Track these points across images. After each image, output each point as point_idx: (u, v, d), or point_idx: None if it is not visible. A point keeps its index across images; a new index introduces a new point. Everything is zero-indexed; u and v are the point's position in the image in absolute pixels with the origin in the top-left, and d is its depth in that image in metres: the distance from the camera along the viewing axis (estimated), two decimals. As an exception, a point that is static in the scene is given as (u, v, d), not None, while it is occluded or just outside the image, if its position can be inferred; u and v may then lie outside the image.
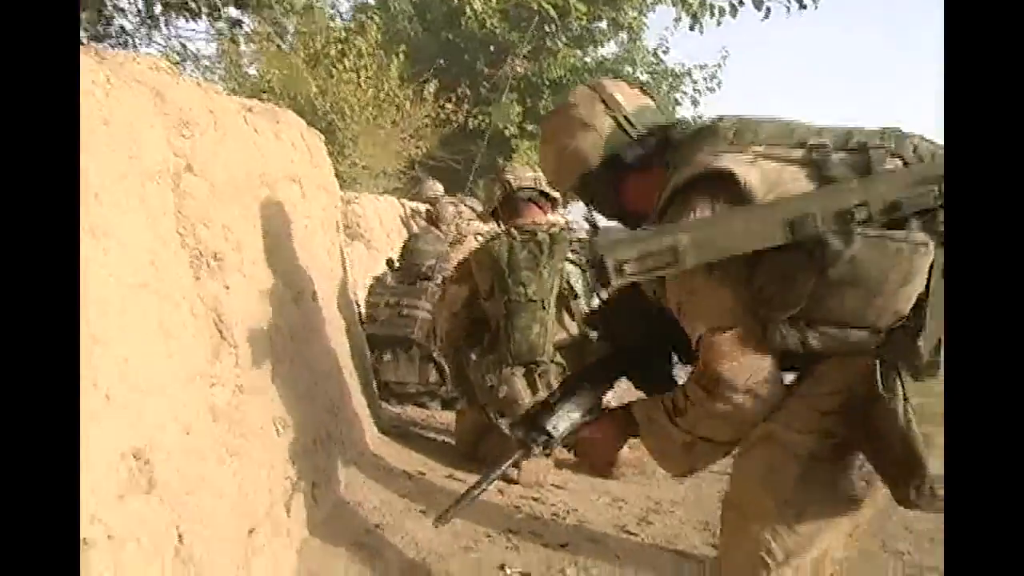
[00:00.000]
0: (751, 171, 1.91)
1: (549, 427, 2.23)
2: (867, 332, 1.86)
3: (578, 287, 4.09)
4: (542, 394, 3.99)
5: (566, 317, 4.04)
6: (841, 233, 1.80)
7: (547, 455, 2.33)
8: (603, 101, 2.18)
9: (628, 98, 2.19)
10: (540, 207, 4.27)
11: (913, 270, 1.80)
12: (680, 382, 2.13)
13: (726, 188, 1.91)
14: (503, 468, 2.27)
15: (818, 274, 1.81)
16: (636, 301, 2.36)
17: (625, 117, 2.16)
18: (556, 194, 4.22)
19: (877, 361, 1.85)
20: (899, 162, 1.90)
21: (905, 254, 1.79)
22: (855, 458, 1.97)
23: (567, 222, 4.31)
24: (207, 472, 2.18)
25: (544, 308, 4.00)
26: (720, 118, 2.11)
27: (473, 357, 4.15)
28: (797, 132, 2.00)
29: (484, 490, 2.28)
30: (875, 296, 1.82)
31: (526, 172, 4.34)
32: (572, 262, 4.10)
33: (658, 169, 2.08)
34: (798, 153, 1.94)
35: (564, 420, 2.24)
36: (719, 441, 2.01)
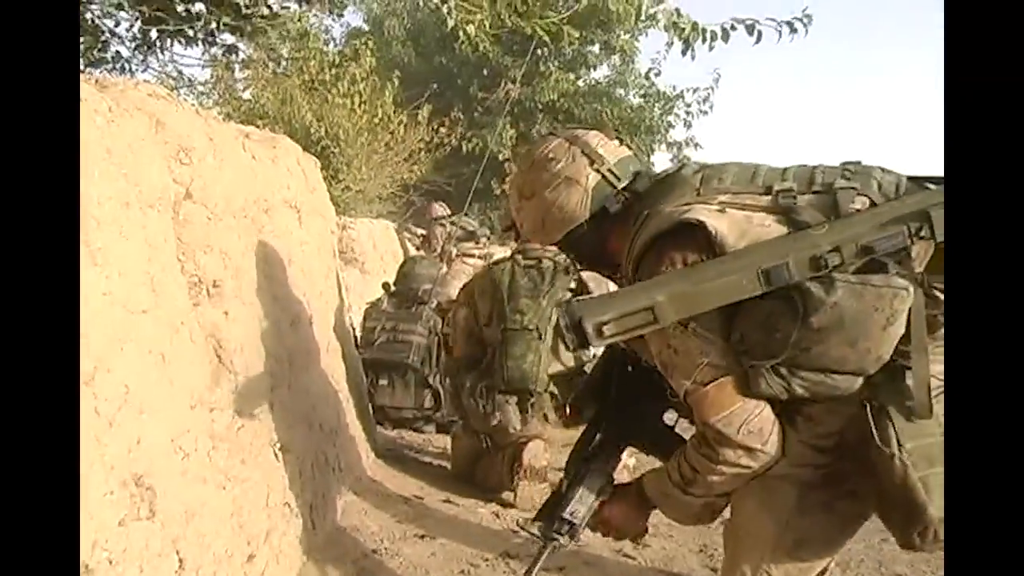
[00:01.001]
0: (721, 220, 1.92)
1: (568, 516, 2.26)
2: (852, 377, 1.87)
3: None
4: (534, 423, 4.00)
5: (562, 348, 4.04)
6: (822, 280, 1.81)
7: (574, 541, 2.36)
8: (586, 155, 2.16)
9: (608, 150, 2.19)
10: None
11: (895, 314, 1.80)
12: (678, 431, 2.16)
13: (696, 239, 1.91)
14: (535, 570, 2.28)
15: (801, 321, 1.81)
16: (619, 364, 2.41)
17: (609, 170, 2.16)
18: None
19: (867, 405, 1.88)
20: (866, 200, 1.91)
21: (886, 299, 1.80)
22: (849, 483, 1.98)
23: None
24: (207, 497, 2.18)
25: (540, 337, 4.00)
26: (683, 165, 2.15)
27: (468, 383, 4.15)
28: (761, 176, 2.02)
29: None
30: (858, 341, 1.82)
31: None
32: (574, 291, 4.10)
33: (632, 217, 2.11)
34: (765, 199, 1.95)
35: (581, 505, 2.27)
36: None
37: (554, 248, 3.87)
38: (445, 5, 4.98)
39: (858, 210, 1.90)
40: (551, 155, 2.18)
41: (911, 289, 1.81)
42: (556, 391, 4.03)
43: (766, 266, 1.83)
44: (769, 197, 1.95)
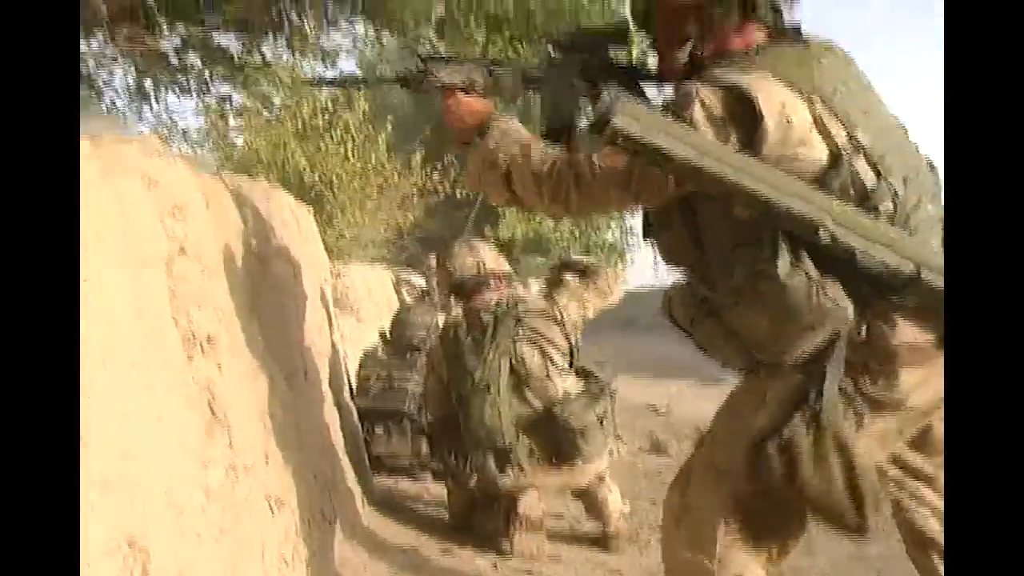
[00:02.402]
0: (776, 114, 1.92)
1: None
2: (742, 355, 2.02)
3: (531, 364, 4.06)
4: (514, 473, 3.98)
5: (526, 392, 4.03)
6: (795, 251, 1.84)
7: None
8: None
9: None
10: (491, 286, 4.29)
11: (818, 325, 1.86)
12: None
13: (741, 106, 1.93)
14: None
15: (752, 268, 1.89)
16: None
17: None
18: (504, 268, 4.28)
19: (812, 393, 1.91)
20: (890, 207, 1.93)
21: (824, 309, 1.84)
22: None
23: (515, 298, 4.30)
24: (201, 553, 2.16)
25: (493, 391, 3.98)
26: (829, 49, 2.12)
27: (447, 444, 4.17)
28: (860, 115, 2.00)
29: None
30: (774, 324, 1.90)
31: (466, 259, 4.36)
32: (527, 338, 4.10)
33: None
34: (841, 134, 1.96)
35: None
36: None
37: (494, 296, 3.89)
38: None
39: (891, 217, 1.93)
40: None
41: (849, 312, 1.85)
42: (528, 439, 4.01)
43: (792, 207, 1.83)
44: (844, 136, 1.95)
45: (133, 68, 5.76)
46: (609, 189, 2.09)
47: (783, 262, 1.84)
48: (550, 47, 2.46)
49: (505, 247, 15.34)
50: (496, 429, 3.95)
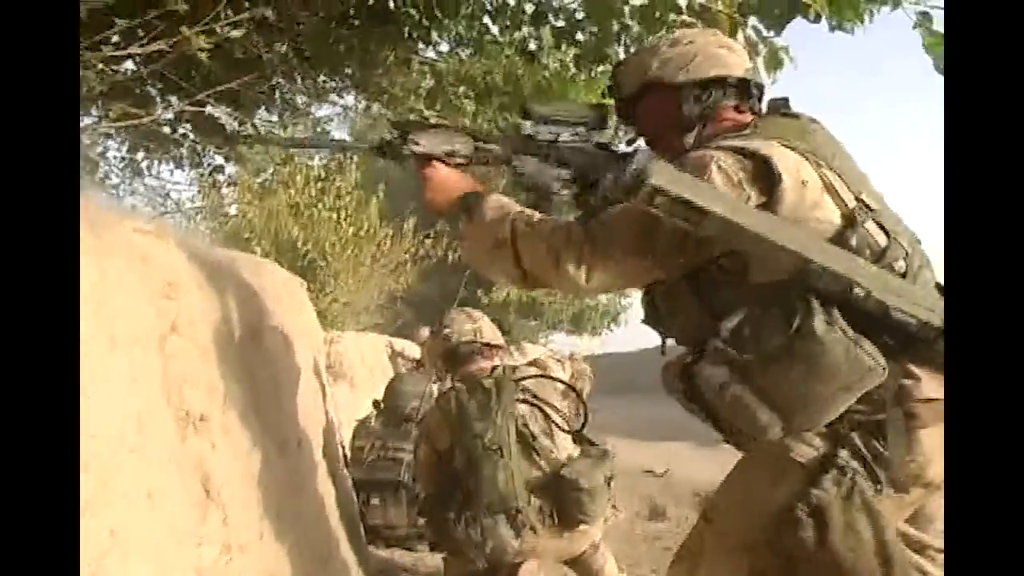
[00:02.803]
0: (793, 177, 1.97)
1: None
2: (776, 421, 1.90)
3: (535, 427, 4.05)
4: (529, 536, 3.94)
5: (534, 455, 4.01)
6: (827, 310, 1.84)
7: None
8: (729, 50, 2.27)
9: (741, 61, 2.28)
10: (484, 356, 4.30)
11: (856, 385, 1.84)
12: None
13: (757, 169, 1.99)
14: None
15: (787, 332, 1.85)
16: None
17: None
18: (499, 341, 4.29)
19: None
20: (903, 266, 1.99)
21: (862, 368, 1.83)
22: None
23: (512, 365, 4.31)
24: (195, 636, 2.14)
25: (504, 455, 3.96)
26: (815, 121, 2.17)
27: (451, 515, 4.10)
28: (858, 180, 2.07)
29: None
30: (813, 388, 1.84)
31: (464, 325, 4.37)
32: (525, 401, 4.10)
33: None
34: (850, 196, 2.01)
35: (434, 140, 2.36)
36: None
37: (486, 366, 3.90)
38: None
39: (903, 275, 1.97)
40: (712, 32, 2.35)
41: (885, 372, 1.85)
42: (538, 500, 3.98)
43: (827, 264, 1.85)
44: (854, 201, 2.00)
45: (126, 142, 5.80)
46: (628, 257, 2.06)
47: (819, 320, 1.83)
48: (523, 118, 2.44)
49: (499, 312, 15.38)
50: (510, 493, 3.90)
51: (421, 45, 4.75)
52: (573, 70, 4.42)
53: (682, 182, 1.87)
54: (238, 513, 2.56)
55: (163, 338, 2.33)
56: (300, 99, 5.35)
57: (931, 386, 1.95)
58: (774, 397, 1.89)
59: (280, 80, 4.72)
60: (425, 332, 10.00)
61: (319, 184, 10.72)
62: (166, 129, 5.38)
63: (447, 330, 4.32)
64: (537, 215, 2.23)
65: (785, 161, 1.95)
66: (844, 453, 1.94)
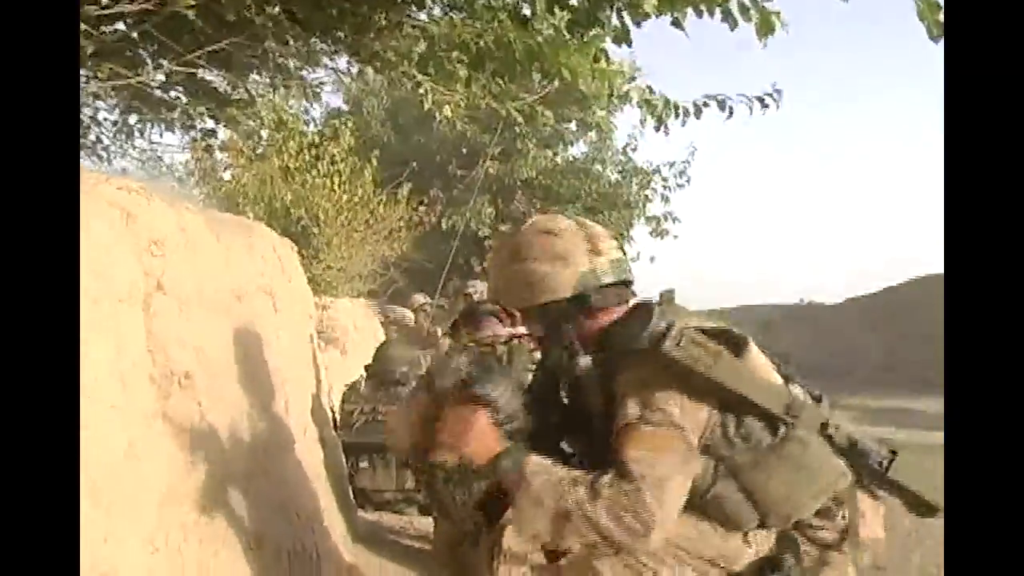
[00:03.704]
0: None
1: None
2: (755, 518, 2.10)
3: None
4: None
5: None
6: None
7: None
8: (589, 242, 2.28)
9: (609, 249, 2.31)
10: (500, 320, 4.29)
11: (828, 487, 2.13)
12: None
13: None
14: None
15: (773, 440, 2.08)
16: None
17: (601, 267, 2.27)
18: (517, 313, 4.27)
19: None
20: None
21: (835, 473, 2.12)
22: None
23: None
24: (178, 593, 2.16)
25: None
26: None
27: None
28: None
29: None
30: (794, 487, 2.08)
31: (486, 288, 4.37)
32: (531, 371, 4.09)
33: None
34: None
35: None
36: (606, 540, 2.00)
37: (502, 332, 3.87)
38: (421, 88, 5.03)
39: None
40: (556, 230, 2.29)
41: (850, 478, 2.13)
42: None
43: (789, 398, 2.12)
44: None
45: (118, 106, 5.76)
46: (674, 474, 2.02)
47: (802, 429, 2.10)
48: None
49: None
50: None
51: (414, 8, 4.72)
52: (566, 36, 4.39)
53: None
54: (223, 472, 2.57)
55: (148, 296, 2.34)
56: (292, 63, 5.30)
57: (873, 526, 2.24)
58: (755, 494, 2.08)
59: (272, 43, 4.68)
60: (418, 298, 10.03)
61: (313, 150, 10.66)
62: (158, 92, 5.35)
63: (470, 289, 4.32)
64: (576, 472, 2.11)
65: None
66: (789, 558, 2.14)
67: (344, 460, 5.21)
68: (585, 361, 2.32)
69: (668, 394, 2.05)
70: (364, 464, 5.49)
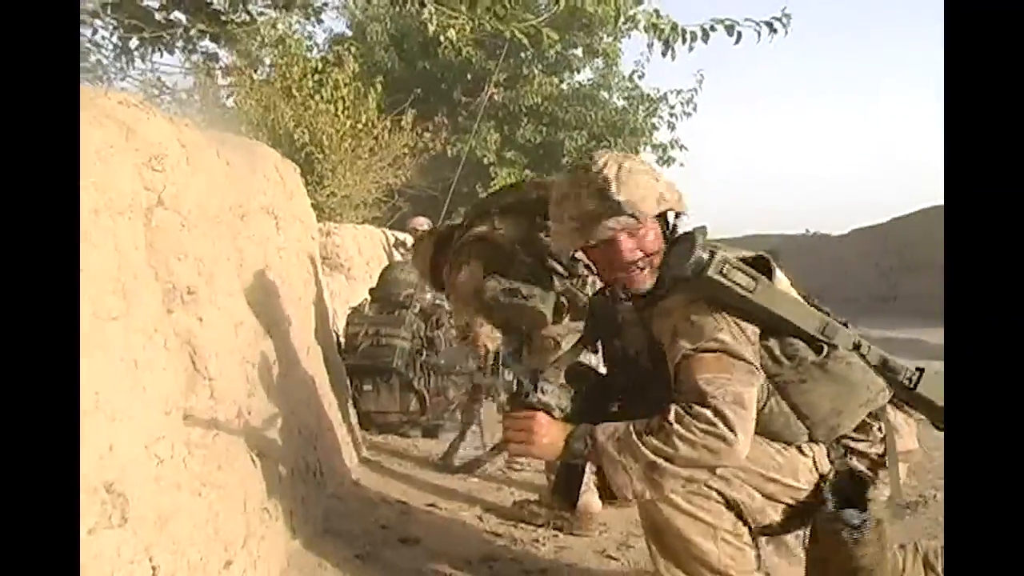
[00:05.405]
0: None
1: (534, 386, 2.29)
2: (804, 432, 2.22)
3: None
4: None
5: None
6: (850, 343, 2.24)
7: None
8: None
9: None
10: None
11: (871, 402, 2.24)
12: None
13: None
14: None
15: (817, 357, 2.20)
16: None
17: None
18: None
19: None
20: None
21: (876, 388, 2.23)
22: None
23: None
24: (181, 504, 2.17)
25: None
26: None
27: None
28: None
29: None
30: (837, 400, 2.19)
31: None
32: None
33: None
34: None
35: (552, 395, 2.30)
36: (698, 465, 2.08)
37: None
38: (425, 10, 4.97)
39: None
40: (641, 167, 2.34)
41: (888, 394, 2.26)
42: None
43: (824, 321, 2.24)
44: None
45: (117, 27, 5.69)
46: (746, 387, 2.10)
47: (842, 348, 2.23)
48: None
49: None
50: None
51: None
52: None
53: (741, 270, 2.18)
54: (225, 388, 2.59)
55: (149, 210, 2.33)
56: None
57: (908, 439, 2.38)
58: (802, 409, 2.21)
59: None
60: (419, 221, 10.01)
61: (316, 76, 10.58)
62: (158, 16, 5.29)
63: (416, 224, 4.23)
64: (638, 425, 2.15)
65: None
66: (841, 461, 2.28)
67: (348, 383, 5.24)
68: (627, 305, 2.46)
69: (717, 321, 2.15)
70: (368, 387, 5.51)
